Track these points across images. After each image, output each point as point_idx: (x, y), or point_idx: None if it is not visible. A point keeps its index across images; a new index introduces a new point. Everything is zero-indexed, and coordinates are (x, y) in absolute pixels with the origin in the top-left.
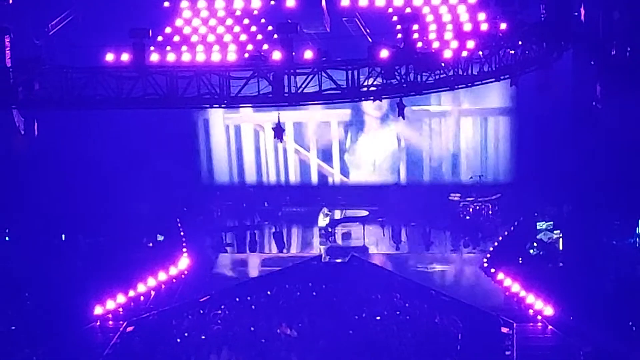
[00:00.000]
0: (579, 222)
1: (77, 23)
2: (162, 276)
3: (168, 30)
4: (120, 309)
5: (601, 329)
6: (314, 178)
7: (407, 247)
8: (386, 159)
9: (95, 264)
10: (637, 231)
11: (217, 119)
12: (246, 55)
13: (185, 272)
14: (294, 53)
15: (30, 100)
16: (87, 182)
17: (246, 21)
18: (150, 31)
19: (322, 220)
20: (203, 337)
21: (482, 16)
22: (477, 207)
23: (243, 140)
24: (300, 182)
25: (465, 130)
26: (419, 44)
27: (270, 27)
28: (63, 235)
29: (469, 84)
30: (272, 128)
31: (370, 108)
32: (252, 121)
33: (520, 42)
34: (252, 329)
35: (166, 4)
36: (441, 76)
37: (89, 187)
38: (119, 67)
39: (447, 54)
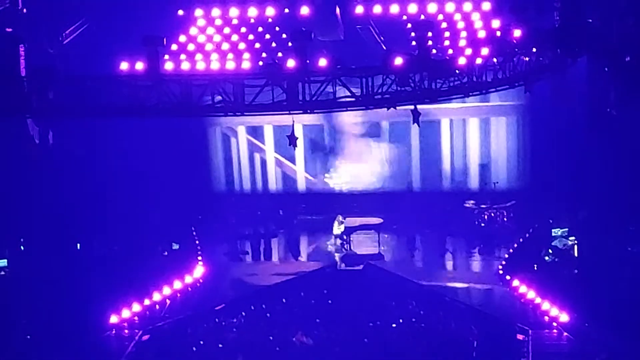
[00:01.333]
0: (594, 228)
1: (91, 32)
2: (177, 285)
3: (182, 38)
4: (136, 318)
5: (617, 336)
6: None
7: (422, 254)
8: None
9: (110, 273)
10: None
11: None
12: (260, 63)
13: (201, 281)
14: (308, 61)
15: (44, 109)
16: (102, 191)
17: (260, 29)
18: (165, 39)
19: (337, 228)
20: (219, 345)
21: (496, 23)
22: (492, 214)
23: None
24: (313, 190)
25: (479, 138)
26: (433, 51)
27: (284, 35)
28: (78, 244)
29: (483, 91)
30: (287, 135)
31: (351, 124)
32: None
33: (534, 49)
34: (267, 337)
35: (180, 12)
36: (455, 83)
37: (103, 195)
38: (133, 75)
39: (461, 61)
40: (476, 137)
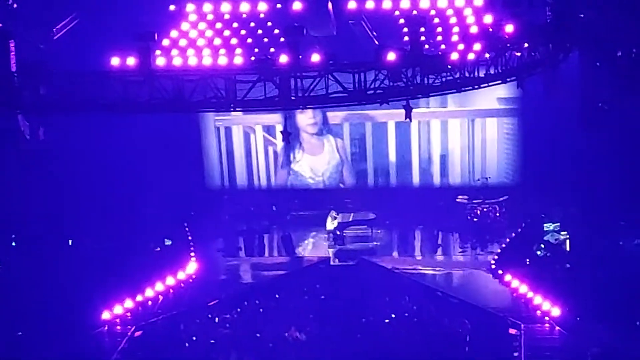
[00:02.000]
0: (586, 223)
1: (82, 27)
2: (170, 281)
3: (174, 33)
4: (128, 314)
5: (609, 330)
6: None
7: (415, 249)
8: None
9: (102, 269)
10: None
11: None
12: (253, 58)
13: (193, 277)
14: (300, 56)
15: (35, 105)
16: (94, 187)
17: (252, 24)
18: (156, 35)
19: (330, 224)
20: (212, 341)
21: (488, 18)
22: (485, 209)
23: (251, 144)
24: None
25: (471, 132)
26: (426, 47)
27: (276, 31)
28: (70, 241)
29: (476, 86)
30: (280, 132)
31: (305, 123)
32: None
33: (526, 44)
34: (260, 333)
35: (172, 7)
36: (448, 78)
37: (95, 191)
38: (125, 71)
39: (454, 56)
40: (469, 132)
